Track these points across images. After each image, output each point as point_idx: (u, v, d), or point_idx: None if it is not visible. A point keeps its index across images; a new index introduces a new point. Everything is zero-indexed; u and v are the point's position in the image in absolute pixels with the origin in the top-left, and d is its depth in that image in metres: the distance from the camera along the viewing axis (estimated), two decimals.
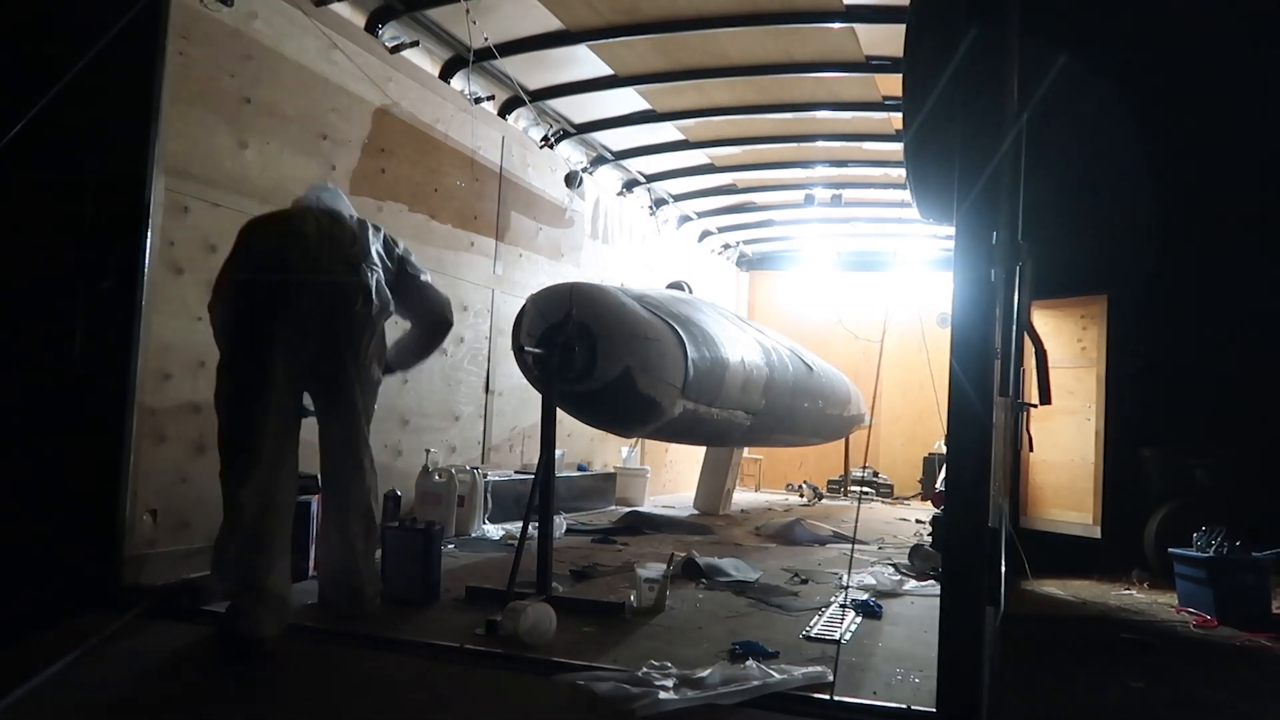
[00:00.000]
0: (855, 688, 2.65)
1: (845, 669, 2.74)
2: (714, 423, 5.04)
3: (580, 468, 7.05)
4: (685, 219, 9.06)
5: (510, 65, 5.53)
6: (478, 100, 5.72)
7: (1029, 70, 2.86)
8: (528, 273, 6.33)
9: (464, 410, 5.72)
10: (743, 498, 8.53)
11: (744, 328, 5.93)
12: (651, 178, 7.91)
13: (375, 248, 3.38)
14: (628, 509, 6.75)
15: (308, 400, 3.30)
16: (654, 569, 3.65)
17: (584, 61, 5.61)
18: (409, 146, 5.16)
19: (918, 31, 3.40)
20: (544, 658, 2.82)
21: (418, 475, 4.99)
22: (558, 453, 4.04)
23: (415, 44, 5.08)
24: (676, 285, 6.42)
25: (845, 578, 4.19)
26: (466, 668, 2.80)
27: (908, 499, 9.35)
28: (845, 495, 9.49)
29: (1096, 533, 5.74)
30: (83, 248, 3.42)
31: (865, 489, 9.16)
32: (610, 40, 5.25)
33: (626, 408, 4.29)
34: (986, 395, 2.29)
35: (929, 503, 8.32)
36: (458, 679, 2.74)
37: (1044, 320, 5.87)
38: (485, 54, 5.25)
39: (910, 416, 9.72)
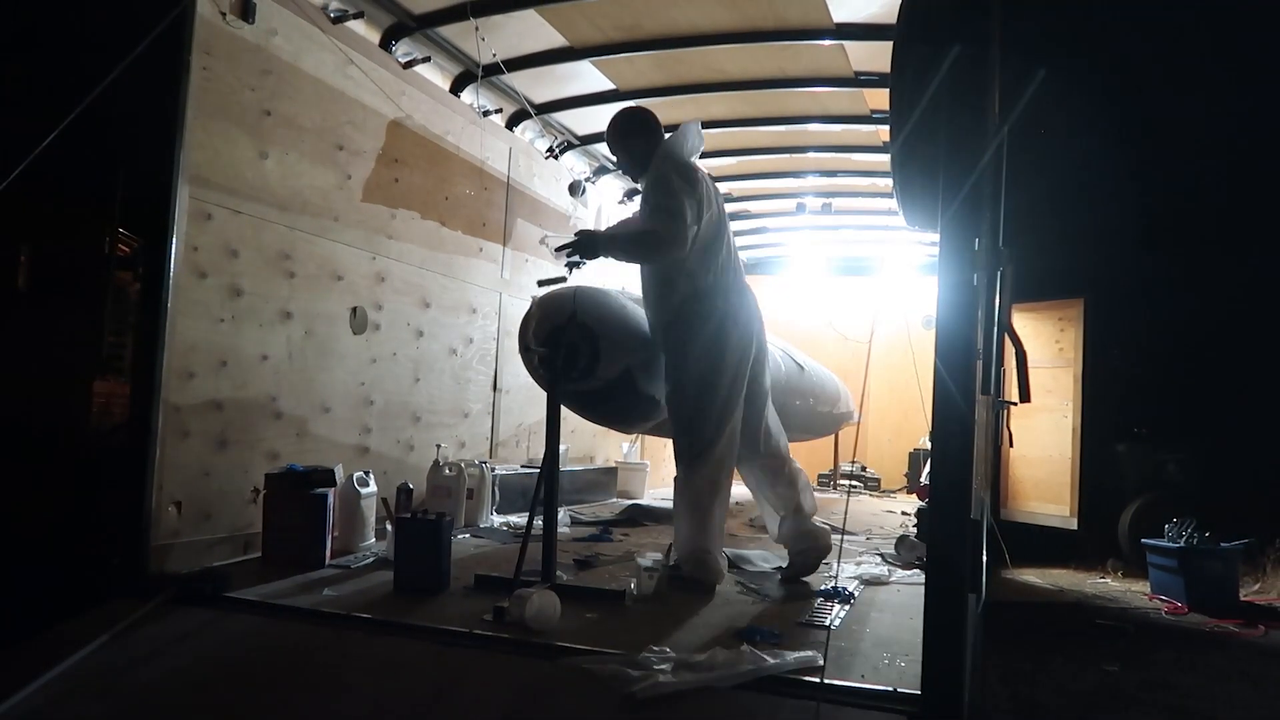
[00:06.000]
0: (844, 671, 2.65)
1: (835, 653, 2.74)
2: None
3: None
4: None
5: (517, 80, 5.52)
6: (486, 113, 5.72)
7: (1009, 84, 2.86)
8: (533, 277, 6.31)
9: (473, 408, 5.72)
10: (738, 491, 8.50)
11: None
12: None
13: None
14: (629, 502, 6.75)
15: None
16: (653, 559, 3.65)
17: (587, 76, 5.61)
18: (421, 157, 5.15)
19: (904, 49, 3.39)
20: (549, 642, 2.82)
21: (429, 469, 4.99)
22: (561, 448, 4.03)
23: (427, 60, 5.08)
24: None
25: (836, 567, 4.19)
26: (475, 652, 2.80)
27: (894, 492, 9.35)
28: (834, 488, 9.48)
29: (1073, 524, 5.75)
30: (111, 252, 3.42)
31: (854, 482, 9.15)
32: (612, 56, 5.25)
33: (627, 405, 4.28)
34: (969, 394, 2.29)
35: (914, 496, 8.32)
36: (467, 662, 2.75)
37: (1024, 322, 5.88)
38: (493, 69, 5.24)
39: (897, 414, 9.71)
